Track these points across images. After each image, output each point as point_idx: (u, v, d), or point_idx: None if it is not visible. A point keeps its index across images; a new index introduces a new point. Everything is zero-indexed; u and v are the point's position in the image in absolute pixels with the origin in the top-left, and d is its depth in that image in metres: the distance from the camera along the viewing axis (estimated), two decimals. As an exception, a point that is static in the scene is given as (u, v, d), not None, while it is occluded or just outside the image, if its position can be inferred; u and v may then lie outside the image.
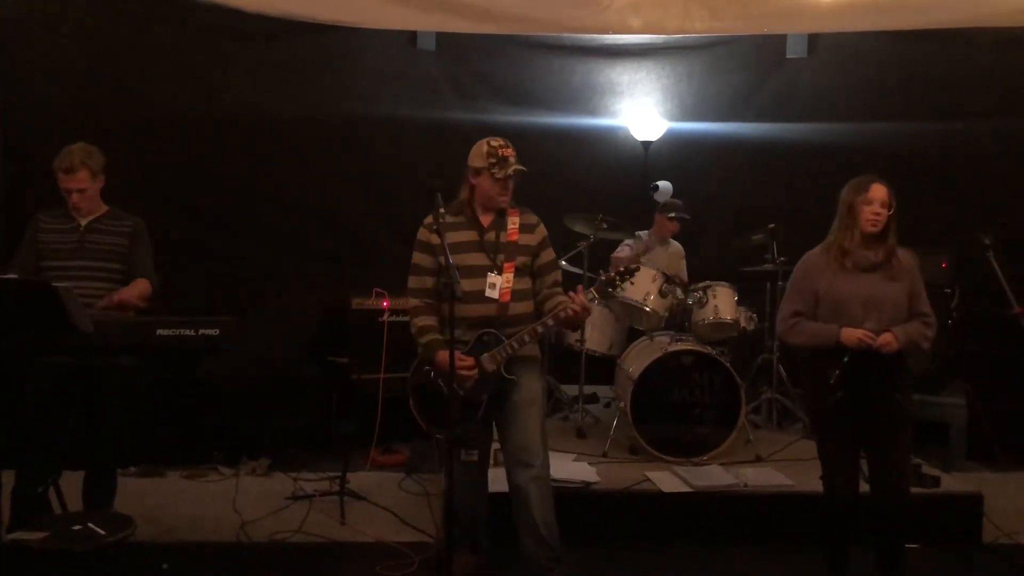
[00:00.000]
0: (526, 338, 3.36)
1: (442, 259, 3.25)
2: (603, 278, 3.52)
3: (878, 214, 3.33)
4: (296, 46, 6.11)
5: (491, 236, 3.44)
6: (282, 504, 4.48)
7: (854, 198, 3.37)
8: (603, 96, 6.78)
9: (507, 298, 3.39)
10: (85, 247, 3.70)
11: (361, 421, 5.02)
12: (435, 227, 3.24)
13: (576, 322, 3.58)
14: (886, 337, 3.26)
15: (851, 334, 3.27)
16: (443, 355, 3.29)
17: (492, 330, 3.38)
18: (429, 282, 3.44)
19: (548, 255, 3.56)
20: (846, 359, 3.28)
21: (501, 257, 3.41)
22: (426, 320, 3.43)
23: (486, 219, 3.47)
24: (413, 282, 3.48)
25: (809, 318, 3.42)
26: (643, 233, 5.90)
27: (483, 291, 3.37)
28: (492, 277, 3.38)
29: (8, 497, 3.44)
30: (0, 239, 5.35)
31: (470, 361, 3.34)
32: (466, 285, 3.27)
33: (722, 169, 6.70)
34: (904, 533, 3.46)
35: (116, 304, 3.53)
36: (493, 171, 3.35)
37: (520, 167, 3.39)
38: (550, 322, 3.38)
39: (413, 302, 3.48)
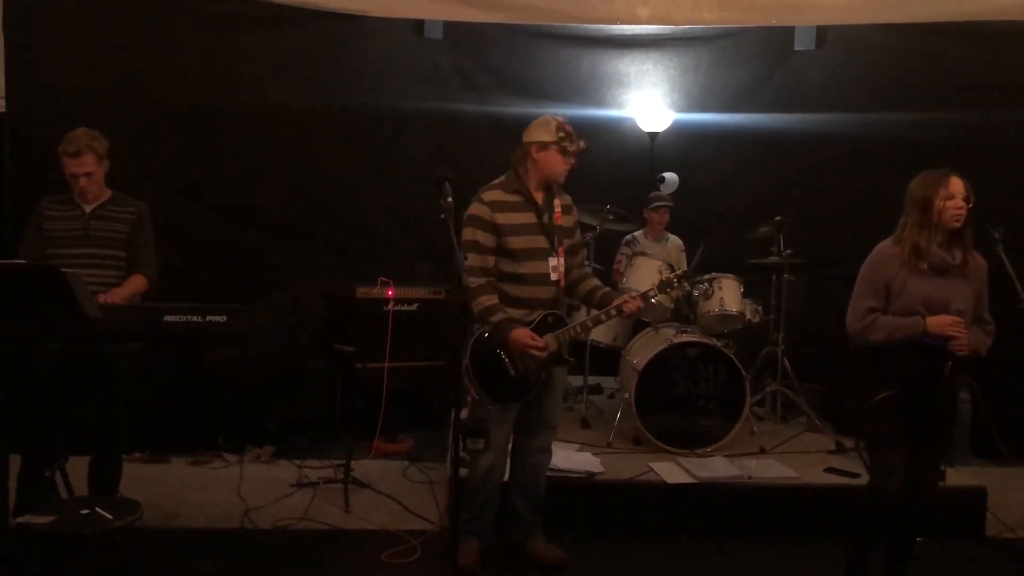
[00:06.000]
0: (589, 323, 3.54)
1: (498, 239, 3.39)
2: (663, 279, 3.64)
3: (961, 208, 3.12)
4: (303, 34, 6.08)
5: (545, 218, 3.50)
6: (287, 491, 4.50)
7: (931, 194, 3.15)
8: (610, 87, 6.75)
9: (563, 280, 3.54)
10: (91, 234, 3.68)
11: (365, 410, 5.03)
12: (444, 215, 3.21)
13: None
14: (966, 341, 3.14)
15: (940, 321, 3.10)
16: (518, 333, 3.35)
17: (556, 311, 3.47)
18: (491, 260, 3.41)
19: (578, 235, 3.73)
20: (956, 355, 3.12)
21: (556, 239, 3.50)
22: (493, 299, 3.41)
23: (539, 198, 3.51)
24: (475, 260, 3.41)
25: (883, 312, 3.24)
26: (638, 234, 5.89)
27: (547, 273, 3.46)
28: (552, 261, 3.48)
29: (15, 481, 3.44)
30: (9, 224, 5.36)
31: (542, 342, 3.39)
32: (532, 267, 3.42)
33: (729, 161, 6.67)
34: (919, 528, 3.43)
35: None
36: (564, 144, 3.40)
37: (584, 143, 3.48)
38: (613, 312, 3.51)
39: (476, 280, 3.38)
